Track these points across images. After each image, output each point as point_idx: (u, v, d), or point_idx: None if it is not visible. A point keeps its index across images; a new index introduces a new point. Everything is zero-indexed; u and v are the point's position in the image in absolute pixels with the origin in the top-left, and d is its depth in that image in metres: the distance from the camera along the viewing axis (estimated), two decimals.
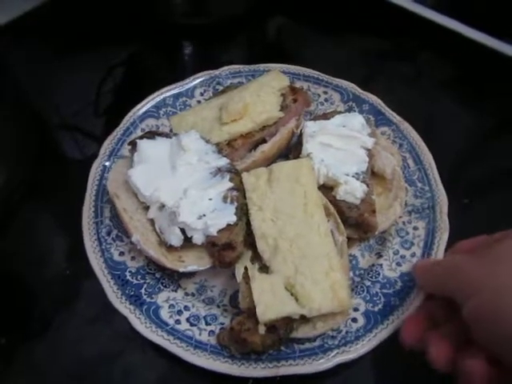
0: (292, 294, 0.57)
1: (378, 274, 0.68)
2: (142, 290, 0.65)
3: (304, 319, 0.56)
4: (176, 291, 0.66)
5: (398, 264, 0.69)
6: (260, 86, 0.81)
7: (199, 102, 0.88)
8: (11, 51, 1.03)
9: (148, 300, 0.64)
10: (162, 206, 0.65)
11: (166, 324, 0.62)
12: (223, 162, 0.69)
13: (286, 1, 1.22)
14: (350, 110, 0.87)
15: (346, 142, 0.74)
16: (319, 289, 0.56)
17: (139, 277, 0.67)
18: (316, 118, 0.80)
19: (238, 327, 0.57)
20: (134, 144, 0.71)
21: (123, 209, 0.67)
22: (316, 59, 1.02)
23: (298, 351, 0.59)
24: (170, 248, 0.64)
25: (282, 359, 0.58)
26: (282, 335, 0.56)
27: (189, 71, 0.94)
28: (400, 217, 0.73)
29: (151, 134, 0.72)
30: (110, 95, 0.99)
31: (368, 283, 0.67)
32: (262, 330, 0.56)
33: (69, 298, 0.69)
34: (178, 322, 0.62)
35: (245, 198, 0.66)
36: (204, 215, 0.63)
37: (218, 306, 0.66)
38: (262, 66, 0.93)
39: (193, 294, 0.67)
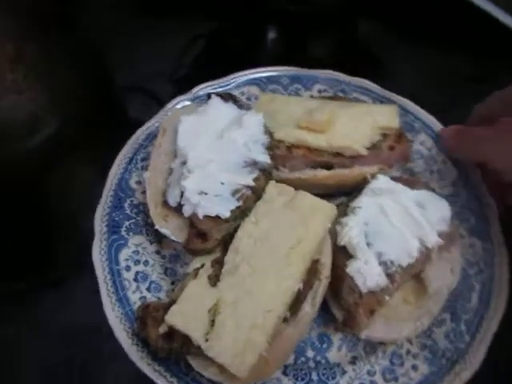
0: (212, 321, 0.50)
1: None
2: (124, 225, 0.65)
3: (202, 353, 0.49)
4: (344, 371, 0.57)
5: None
6: (367, 112, 0.70)
7: (311, 97, 0.81)
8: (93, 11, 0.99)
9: (124, 235, 0.64)
10: (184, 163, 0.62)
11: (117, 263, 0.62)
12: (264, 159, 0.62)
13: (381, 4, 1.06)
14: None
15: (406, 222, 0.59)
16: (234, 336, 0.48)
17: (135, 211, 0.67)
18: (397, 178, 0.66)
19: (151, 310, 0.53)
20: (209, 96, 0.69)
21: (159, 144, 0.66)
22: (404, 73, 0.92)
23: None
24: (165, 203, 0.62)
25: None
26: (174, 349, 0.50)
27: (271, 58, 0.90)
28: None
29: (229, 97, 0.70)
30: (188, 66, 0.95)
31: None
32: (163, 328, 0.51)
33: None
34: (127, 268, 0.62)
35: (254, 203, 0.59)
36: (205, 194, 0.59)
37: (173, 283, 0.63)
38: (365, 83, 0.82)
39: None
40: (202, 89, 0.79)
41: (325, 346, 0.60)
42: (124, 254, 0.63)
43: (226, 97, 0.69)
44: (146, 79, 0.89)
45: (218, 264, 0.55)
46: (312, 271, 0.54)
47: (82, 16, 0.91)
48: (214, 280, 0.54)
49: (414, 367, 0.57)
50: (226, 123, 0.66)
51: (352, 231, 0.58)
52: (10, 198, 0.73)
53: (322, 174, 0.66)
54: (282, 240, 0.54)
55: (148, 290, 0.61)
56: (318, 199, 0.58)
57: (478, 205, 0.69)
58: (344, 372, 0.57)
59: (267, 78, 0.83)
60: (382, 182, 0.63)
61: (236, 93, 0.81)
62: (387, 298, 0.56)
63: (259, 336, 0.48)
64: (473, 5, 1.01)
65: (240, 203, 0.58)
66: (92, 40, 0.93)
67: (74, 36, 0.86)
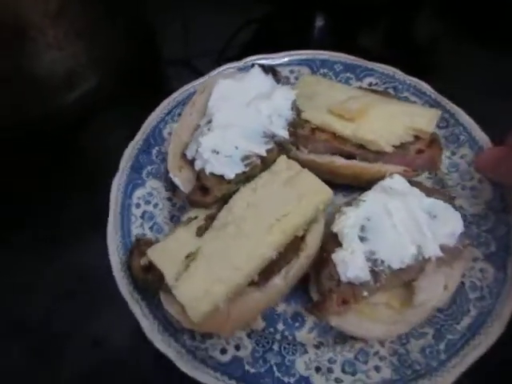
0: (187, 266, 0.53)
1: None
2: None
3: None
4: (306, 352, 0.58)
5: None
6: (405, 111, 0.67)
7: (360, 87, 0.79)
8: None
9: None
10: (209, 122, 0.66)
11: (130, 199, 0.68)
12: (282, 134, 0.63)
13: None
14: None
15: (408, 227, 0.57)
16: (199, 283, 0.51)
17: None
18: (416, 183, 0.63)
19: (141, 243, 0.58)
20: (252, 65, 0.72)
21: (194, 101, 0.70)
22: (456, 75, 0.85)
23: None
24: (183, 155, 0.66)
25: None
26: (150, 281, 0.55)
27: (318, 45, 0.86)
28: None
29: (270, 70, 0.71)
30: (237, 48, 0.96)
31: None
32: (143, 261, 0.55)
33: None
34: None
35: (260, 172, 0.61)
36: (217, 153, 0.61)
37: None
38: (420, 84, 0.79)
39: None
40: (253, 60, 0.81)
41: (297, 324, 0.61)
42: (138, 193, 0.69)
43: (268, 69, 0.71)
44: (194, 55, 0.92)
45: (211, 219, 0.58)
46: (293, 247, 0.55)
47: None
48: (202, 231, 0.57)
49: (377, 368, 0.56)
50: (257, 93, 0.68)
51: (348, 221, 0.58)
52: (47, 150, 0.79)
53: (339, 161, 0.66)
54: (272, 210, 0.55)
55: (150, 229, 0.66)
56: (318, 181, 0.58)
57: (505, 233, 0.64)
58: (305, 352, 0.57)
59: (321, 61, 0.83)
60: (397, 182, 0.61)
61: (286, 70, 0.82)
62: (365, 293, 0.55)
63: (220, 288, 0.50)
64: None
65: (246, 169, 0.61)
66: (143, 6, 0.94)
67: None
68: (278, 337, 0.59)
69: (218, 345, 0.57)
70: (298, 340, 0.59)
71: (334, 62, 0.83)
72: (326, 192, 0.57)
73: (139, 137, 0.74)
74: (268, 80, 0.70)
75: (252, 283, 0.53)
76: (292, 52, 0.83)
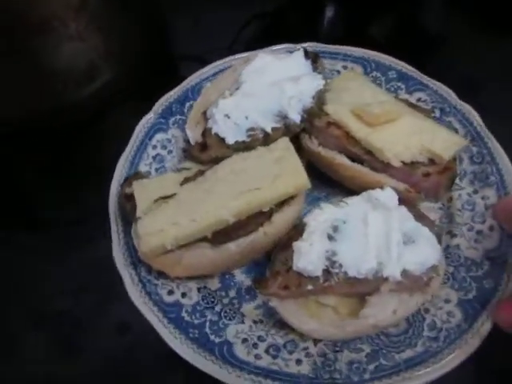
0: (158, 205, 0.58)
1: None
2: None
3: None
4: (243, 322, 0.60)
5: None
6: (430, 130, 0.64)
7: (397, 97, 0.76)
8: None
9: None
10: (236, 89, 0.69)
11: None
12: (294, 118, 0.65)
13: None
14: None
15: (379, 242, 0.56)
16: (159, 222, 0.56)
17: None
18: (412, 205, 0.61)
19: (140, 175, 0.65)
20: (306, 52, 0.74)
21: (235, 68, 0.74)
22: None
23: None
24: (203, 114, 0.70)
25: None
26: (128, 210, 0.62)
27: (328, 37, 0.87)
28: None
29: (312, 56, 0.72)
30: (245, 42, 0.97)
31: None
32: (128, 190, 0.62)
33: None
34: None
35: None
36: (228, 117, 0.65)
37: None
38: (469, 111, 0.75)
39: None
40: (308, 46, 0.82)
41: (247, 297, 0.63)
42: (159, 137, 0.74)
43: (310, 56, 0.72)
44: (205, 50, 0.92)
45: (200, 174, 0.63)
46: (255, 220, 0.57)
47: None
48: (185, 182, 0.61)
49: (298, 362, 0.56)
50: (290, 75, 0.69)
51: (320, 216, 0.58)
52: (65, 141, 0.81)
53: (340, 159, 0.65)
54: (249, 181, 0.58)
55: (156, 170, 0.71)
56: (301, 168, 0.59)
57: (491, 287, 0.60)
58: (241, 322, 0.60)
59: (376, 64, 0.81)
60: (386, 195, 0.59)
61: (339, 65, 0.82)
62: (310, 287, 0.55)
63: (172, 231, 0.55)
64: None
65: (247, 140, 0.64)
66: (157, 3, 0.95)
67: None
68: (225, 301, 0.62)
69: (167, 286, 0.61)
70: (241, 311, 0.61)
71: (389, 67, 0.80)
72: (302, 179, 0.58)
73: (178, 89, 0.78)
74: (306, 66, 0.71)
75: (207, 239, 0.57)
76: (350, 48, 0.82)
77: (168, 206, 0.58)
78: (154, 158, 0.73)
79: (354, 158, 0.66)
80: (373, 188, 0.61)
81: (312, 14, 1.05)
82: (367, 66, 0.81)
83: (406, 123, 0.65)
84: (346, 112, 0.67)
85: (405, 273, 0.55)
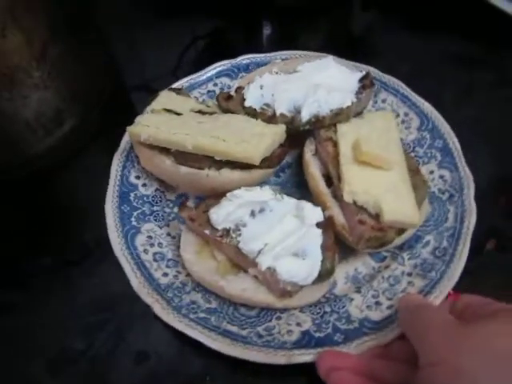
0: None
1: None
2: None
3: None
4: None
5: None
6: (406, 194, 0.66)
7: None
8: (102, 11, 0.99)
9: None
10: (288, 73, 0.80)
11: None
12: (303, 118, 0.72)
13: None
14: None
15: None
16: (159, 121, 0.71)
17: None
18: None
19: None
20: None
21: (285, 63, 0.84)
22: (397, 59, 0.96)
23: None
24: None
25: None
26: None
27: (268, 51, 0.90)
28: None
29: (367, 82, 0.76)
30: (190, 65, 0.99)
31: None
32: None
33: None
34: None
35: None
36: (261, 88, 0.76)
37: None
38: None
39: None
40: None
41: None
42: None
43: (364, 81, 0.76)
44: (152, 79, 0.97)
45: (210, 114, 0.75)
46: (207, 161, 0.68)
47: (94, 16, 0.93)
48: (197, 112, 0.75)
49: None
50: (334, 84, 0.75)
51: (258, 193, 0.67)
52: (38, 187, 0.80)
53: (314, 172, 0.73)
54: (226, 133, 0.68)
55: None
56: (264, 148, 0.68)
57: None
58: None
59: (434, 126, 0.81)
60: (311, 211, 0.64)
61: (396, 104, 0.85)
62: (207, 232, 0.65)
63: (151, 131, 0.69)
64: None
65: (258, 110, 0.74)
66: (102, 39, 0.96)
67: (89, 35, 0.86)
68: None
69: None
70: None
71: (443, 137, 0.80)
72: (255, 155, 0.66)
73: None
74: (354, 85, 0.75)
75: (172, 154, 0.70)
76: (420, 99, 0.84)
77: (168, 117, 0.73)
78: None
79: (328, 177, 0.71)
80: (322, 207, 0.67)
81: (251, 33, 1.10)
82: (424, 122, 0.81)
83: (386, 176, 0.67)
84: (351, 138, 0.71)
85: (270, 270, 0.61)
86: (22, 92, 0.72)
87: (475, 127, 0.84)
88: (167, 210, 0.76)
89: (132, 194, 0.75)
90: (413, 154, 0.78)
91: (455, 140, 0.77)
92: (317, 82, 0.74)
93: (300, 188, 0.78)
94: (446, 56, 0.98)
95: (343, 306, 0.64)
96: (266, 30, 1.10)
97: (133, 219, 0.72)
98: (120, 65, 1.02)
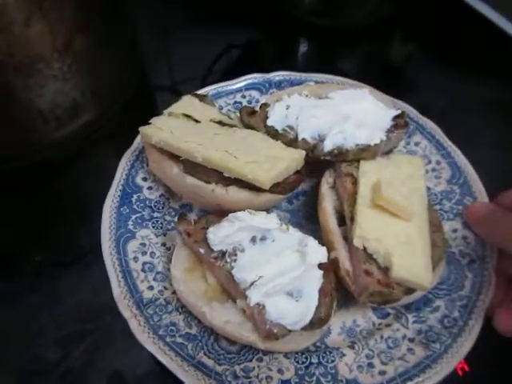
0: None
1: None
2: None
3: None
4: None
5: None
6: (422, 253, 0.60)
7: None
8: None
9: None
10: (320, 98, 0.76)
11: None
12: (325, 148, 0.68)
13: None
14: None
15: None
16: (172, 125, 0.69)
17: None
18: None
19: None
20: None
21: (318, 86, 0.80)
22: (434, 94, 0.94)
23: None
24: None
25: None
26: None
27: (301, 69, 0.87)
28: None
29: (401, 122, 0.71)
30: (220, 73, 0.97)
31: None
32: None
33: None
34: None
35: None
36: (286, 108, 0.73)
37: None
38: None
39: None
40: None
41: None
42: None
43: (398, 120, 0.71)
44: (180, 82, 0.96)
45: (230, 127, 0.71)
46: (215, 176, 0.65)
47: (127, 13, 0.90)
48: (217, 123, 0.71)
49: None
50: (366, 118, 0.70)
51: (263, 220, 0.62)
52: (45, 180, 0.79)
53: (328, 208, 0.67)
54: (239, 150, 0.65)
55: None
56: (276, 173, 0.63)
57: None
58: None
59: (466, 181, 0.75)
60: (316, 251, 0.60)
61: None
62: (201, 251, 0.61)
63: (163, 135, 0.66)
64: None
65: (279, 131, 0.71)
66: (133, 38, 0.94)
67: (118, 30, 0.84)
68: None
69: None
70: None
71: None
72: (264, 180, 0.62)
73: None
74: (387, 123, 0.71)
75: (182, 162, 0.66)
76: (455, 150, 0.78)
77: (185, 123, 0.70)
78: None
79: (341, 215, 0.66)
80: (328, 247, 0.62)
81: (286, 48, 1.08)
82: (456, 174, 0.75)
83: (403, 227, 0.61)
84: (372, 179, 0.66)
85: (259, 307, 0.56)
86: (40, 82, 0.71)
87: (506, 181, 0.72)
88: (168, 217, 0.73)
89: (135, 196, 0.72)
90: (438, 207, 0.72)
91: (486, 200, 0.70)
92: (347, 112, 0.70)
93: (310, 220, 0.73)
94: (485, 99, 0.94)
95: (332, 361, 0.59)
96: (303, 47, 1.08)
97: (130, 222, 0.68)
98: (148, 64, 1.01)
